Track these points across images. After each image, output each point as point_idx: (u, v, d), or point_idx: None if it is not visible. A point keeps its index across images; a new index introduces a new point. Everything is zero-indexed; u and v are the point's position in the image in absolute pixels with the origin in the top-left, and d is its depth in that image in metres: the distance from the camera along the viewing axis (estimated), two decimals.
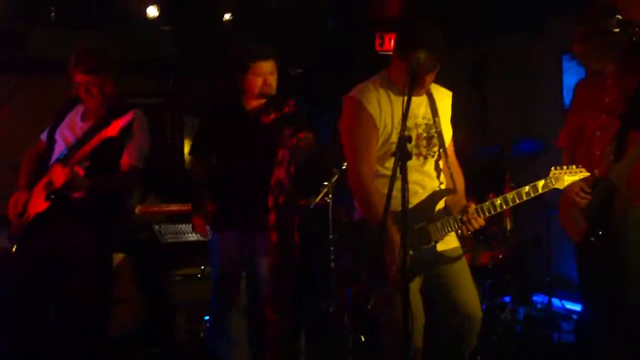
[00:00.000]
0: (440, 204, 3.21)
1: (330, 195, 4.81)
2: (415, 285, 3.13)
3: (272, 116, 3.70)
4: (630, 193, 3.40)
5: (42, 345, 3.95)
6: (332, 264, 4.80)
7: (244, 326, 3.90)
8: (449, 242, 3.22)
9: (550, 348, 4.64)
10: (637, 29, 3.42)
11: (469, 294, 3.21)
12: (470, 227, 3.12)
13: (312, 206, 4.95)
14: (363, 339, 4.56)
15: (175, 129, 7.58)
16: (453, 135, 3.34)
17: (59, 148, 3.77)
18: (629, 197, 3.40)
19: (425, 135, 3.18)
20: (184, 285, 5.06)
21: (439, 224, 3.14)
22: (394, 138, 3.10)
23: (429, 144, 3.19)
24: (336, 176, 4.86)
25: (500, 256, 4.80)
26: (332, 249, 4.76)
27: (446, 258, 3.17)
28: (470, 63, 7.08)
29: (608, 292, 3.49)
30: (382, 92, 3.15)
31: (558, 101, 6.07)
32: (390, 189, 2.74)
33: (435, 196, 3.19)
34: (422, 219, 3.14)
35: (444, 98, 3.29)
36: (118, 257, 4.99)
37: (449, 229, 3.15)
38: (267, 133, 3.62)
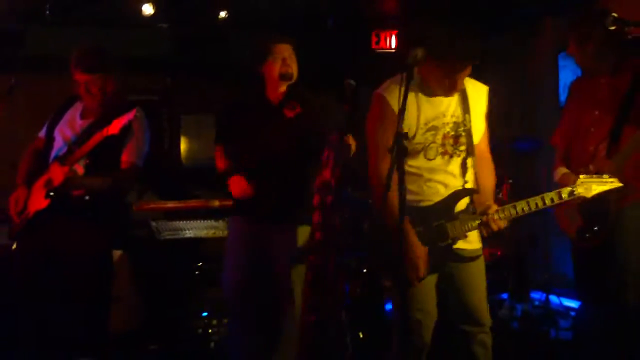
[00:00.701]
0: (462, 203, 3.17)
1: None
2: (431, 281, 3.14)
3: (298, 110, 3.69)
4: (624, 189, 3.41)
5: (43, 342, 3.93)
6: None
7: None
8: (469, 242, 3.18)
9: (547, 345, 4.65)
10: (632, 27, 3.44)
11: (477, 298, 3.20)
12: (489, 228, 3.08)
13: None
14: (361, 336, 4.56)
15: (172, 126, 7.57)
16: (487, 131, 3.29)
17: (58, 145, 3.76)
18: (623, 193, 3.40)
19: (452, 134, 3.13)
20: (181, 282, 5.05)
21: (457, 222, 3.12)
22: (419, 138, 3.09)
23: (456, 143, 3.15)
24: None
25: (499, 253, 4.82)
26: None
27: (462, 257, 3.15)
28: None
29: (604, 288, 3.50)
30: (409, 91, 3.02)
31: (554, 99, 6.08)
32: (402, 186, 2.68)
33: (456, 195, 3.16)
34: (441, 216, 3.13)
35: (478, 93, 3.25)
36: (115, 254, 4.95)
37: (468, 227, 3.11)
38: (290, 127, 3.61)
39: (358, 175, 5.33)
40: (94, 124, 3.72)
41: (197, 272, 4.98)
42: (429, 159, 3.13)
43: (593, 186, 3.13)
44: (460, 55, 2.97)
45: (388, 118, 3.05)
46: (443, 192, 3.16)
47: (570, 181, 3.34)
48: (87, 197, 3.66)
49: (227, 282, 3.86)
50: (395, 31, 7.03)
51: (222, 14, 6.59)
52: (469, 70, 3.06)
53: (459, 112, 3.15)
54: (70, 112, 3.86)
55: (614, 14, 3.40)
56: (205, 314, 4.86)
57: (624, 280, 3.41)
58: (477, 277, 3.21)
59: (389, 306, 4.81)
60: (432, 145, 3.10)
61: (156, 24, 6.76)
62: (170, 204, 5.55)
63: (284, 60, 3.75)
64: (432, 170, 3.14)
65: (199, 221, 4.03)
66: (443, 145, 3.12)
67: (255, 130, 3.79)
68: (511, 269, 4.86)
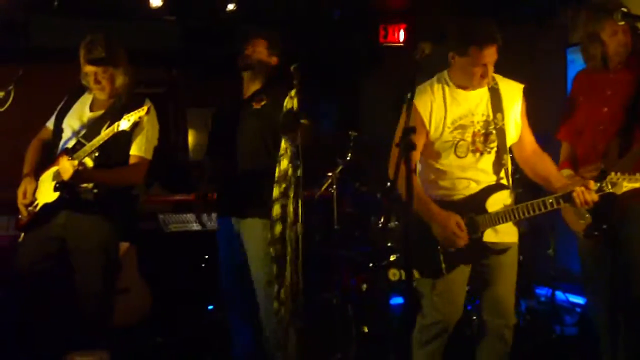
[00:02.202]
0: (497, 201, 3.23)
1: (334, 186, 4.81)
2: (460, 275, 3.23)
3: (263, 102, 3.72)
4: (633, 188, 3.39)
5: (49, 334, 3.95)
6: (336, 255, 4.80)
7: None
8: (503, 236, 3.25)
9: (553, 341, 4.64)
10: None
11: (504, 289, 3.26)
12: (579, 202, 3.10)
13: (316, 197, 4.96)
14: (366, 330, 4.57)
15: (179, 119, 7.57)
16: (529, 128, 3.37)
17: (66, 137, 3.75)
18: (631, 191, 3.39)
19: (483, 132, 3.23)
20: (187, 274, 5.06)
21: (487, 216, 3.19)
22: (447, 137, 3.22)
23: (486, 141, 3.24)
24: (340, 167, 4.86)
25: None
26: (336, 240, 4.76)
27: (493, 250, 3.22)
28: None
29: (610, 285, 3.49)
30: (437, 93, 3.24)
31: (563, 94, 6.05)
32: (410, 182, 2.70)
33: (487, 190, 3.24)
34: (471, 210, 3.20)
35: (512, 92, 3.33)
36: (122, 246, 4.97)
37: (500, 220, 3.17)
38: (256, 118, 3.63)
39: (364, 170, 5.34)
40: (104, 117, 3.71)
41: (203, 265, 4.99)
42: (460, 157, 3.22)
43: (624, 183, 3.13)
44: (478, 39, 3.09)
45: (414, 121, 3.08)
46: (475, 188, 3.24)
47: (576, 184, 3.36)
48: (95, 190, 3.65)
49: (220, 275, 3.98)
50: (404, 25, 7.01)
51: (230, 6, 6.58)
52: (493, 53, 3.16)
53: (489, 110, 3.23)
54: (79, 104, 3.84)
55: (624, 9, 3.37)
56: (211, 307, 4.88)
57: (630, 277, 3.39)
58: (506, 268, 3.28)
59: (394, 301, 4.82)
60: (461, 142, 3.20)
61: (163, 16, 6.75)
62: (178, 197, 5.56)
63: (247, 50, 3.83)
64: (463, 167, 3.24)
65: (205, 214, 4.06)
66: (473, 142, 3.22)
67: (227, 125, 3.88)
68: (517, 264, 4.83)
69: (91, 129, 3.69)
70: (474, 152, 3.23)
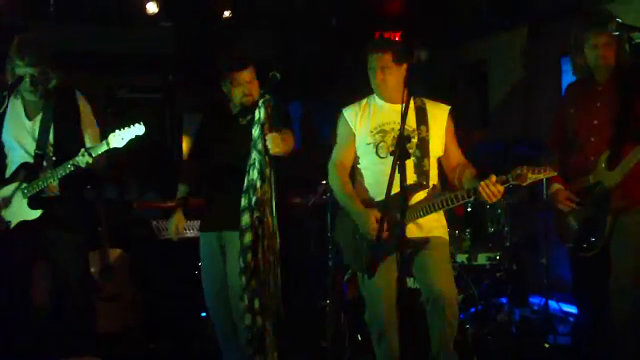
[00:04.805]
0: (416, 197, 3.42)
1: (328, 194, 4.81)
2: (385, 272, 3.30)
3: (249, 117, 3.72)
4: (623, 201, 3.40)
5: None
6: (330, 262, 4.80)
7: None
8: (427, 231, 3.43)
9: (545, 350, 4.64)
10: (637, 32, 3.42)
11: (439, 274, 3.36)
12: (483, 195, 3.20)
13: (310, 205, 4.96)
14: (360, 338, 4.56)
15: (174, 125, 7.57)
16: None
17: (16, 150, 3.76)
18: (622, 204, 3.40)
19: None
20: (180, 281, 5.05)
21: (408, 212, 3.30)
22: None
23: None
24: None
25: (498, 257, 4.80)
26: (329, 247, 4.76)
27: (415, 242, 3.37)
28: (470, 64, 7.08)
29: (601, 295, 3.49)
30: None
31: (557, 103, 6.06)
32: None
33: (407, 189, 3.26)
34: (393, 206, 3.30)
35: (438, 111, 3.54)
36: (115, 252, 5.00)
37: (420, 213, 3.37)
38: (243, 134, 3.64)
39: None
40: (45, 121, 3.72)
41: (196, 272, 4.97)
42: (381, 157, 3.45)
43: (528, 175, 3.13)
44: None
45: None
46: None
47: (562, 194, 3.52)
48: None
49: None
50: (399, 32, 7.03)
51: (226, 13, 6.59)
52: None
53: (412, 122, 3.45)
54: (10, 114, 3.77)
55: (618, 19, 3.39)
56: (204, 314, 4.86)
57: (621, 287, 3.40)
58: (436, 260, 3.40)
59: None
60: (382, 144, 3.45)
61: (160, 22, 6.77)
62: (171, 203, 5.54)
63: (244, 88, 3.78)
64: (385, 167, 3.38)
65: (194, 221, 4.05)
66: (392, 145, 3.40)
67: (215, 140, 3.88)
68: (510, 274, 4.84)
69: (42, 140, 3.70)
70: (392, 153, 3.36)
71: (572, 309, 5.13)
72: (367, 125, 3.53)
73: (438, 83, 6.20)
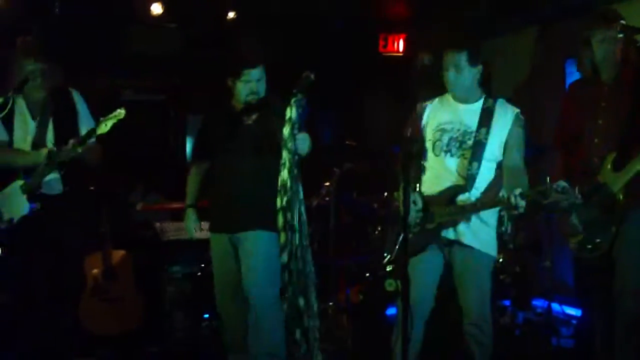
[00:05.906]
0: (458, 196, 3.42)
1: (332, 196, 4.81)
2: (417, 263, 3.35)
3: (255, 116, 3.71)
4: (629, 199, 3.39)
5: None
6: (332, 265, 4.80)
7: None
8: (462, 236, 3.41)
9: (549, 352, 4.63)
10: None
11: (470, 294, 3.41)
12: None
13: (313, 206, 4.96)
14: (362, 340, 4.57)
15: (179, 126, 7.57)
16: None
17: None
18: (628, 203, 3.39)
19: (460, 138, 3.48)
20: (183, 283, 5.05)
21: (446, 210, 3.38)
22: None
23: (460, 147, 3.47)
24: (337, 176, 4.86)
25: (501, 260, 4.80)
26: (333, 249, 4.76)
27: (447, 240, 3.42)
28: None
29: (605, 297, 3.48)
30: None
31: (560, 102, 6.04)
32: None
33: (450, 189, 3.44)
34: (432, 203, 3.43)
35: (504, 114, 3.51)
36: (118, 253, 5.00)
37: (453, 213, 3.37)
38: (250, 133, 3.61)
39: (362, 180, 5.34)
40: (44, 121, 3.79)
41: (199, 274, 4.98)
42: (436, 155, 3.49)
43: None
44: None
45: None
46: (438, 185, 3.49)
47: None
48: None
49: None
50: (403, 35, 7.03)
51: (231, 14, 6.60)
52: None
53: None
54: (12, 114, 3.82)
55: (623, 21, 3.38)
56: (206, 315, 4.86)
57: (625, 290, 3.39)
58: (470, 273, 3.43)
59: (390, 311, 4.81)
60: (438, 143, 3.48)
61: (165, 23, 6.77)
62: (175, 205, 5.55)
63: (252, 85, 3.73)
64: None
65: (203, 222, 4.05)
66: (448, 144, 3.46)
67: (219, 139, 3.85)
68: (514, 276, 4.84)
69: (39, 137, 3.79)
70: (446, 152, 3.47)
71: (575, 312, 5.12)
72: (433, 122, 3.56)
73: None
